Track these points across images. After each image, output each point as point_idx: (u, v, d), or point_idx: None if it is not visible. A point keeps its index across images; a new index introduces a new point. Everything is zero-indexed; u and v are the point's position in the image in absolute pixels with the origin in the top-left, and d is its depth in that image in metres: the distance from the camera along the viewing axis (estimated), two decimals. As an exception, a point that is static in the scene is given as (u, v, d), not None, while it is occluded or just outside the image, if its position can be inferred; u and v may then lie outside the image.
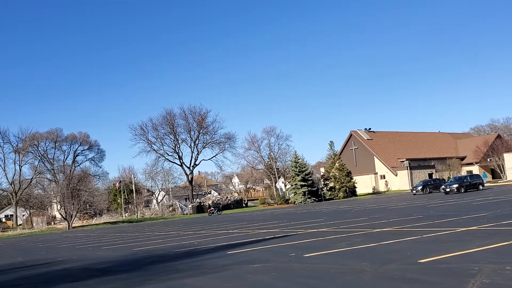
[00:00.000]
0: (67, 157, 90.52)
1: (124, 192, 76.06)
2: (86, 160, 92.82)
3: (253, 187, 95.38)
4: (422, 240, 11.88)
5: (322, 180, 69.59)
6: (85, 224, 62.03)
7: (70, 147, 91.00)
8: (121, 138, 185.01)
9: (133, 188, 73.15)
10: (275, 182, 75.35)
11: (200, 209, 67.74)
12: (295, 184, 64.19)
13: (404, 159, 73.92)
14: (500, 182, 62.24)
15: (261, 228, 22.98)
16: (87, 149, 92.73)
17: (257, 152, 79.56)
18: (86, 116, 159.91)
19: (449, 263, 8.26)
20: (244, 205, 74.25)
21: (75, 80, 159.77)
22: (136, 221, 60.48)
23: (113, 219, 65.83)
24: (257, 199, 76.61)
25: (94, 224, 59.97)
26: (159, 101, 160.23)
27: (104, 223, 60.36)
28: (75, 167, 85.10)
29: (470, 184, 45.45)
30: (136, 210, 71.86)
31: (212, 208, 57.99)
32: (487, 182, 60.02)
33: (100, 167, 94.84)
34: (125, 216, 71.52)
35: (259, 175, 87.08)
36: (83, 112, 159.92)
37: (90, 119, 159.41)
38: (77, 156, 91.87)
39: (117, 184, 75.53)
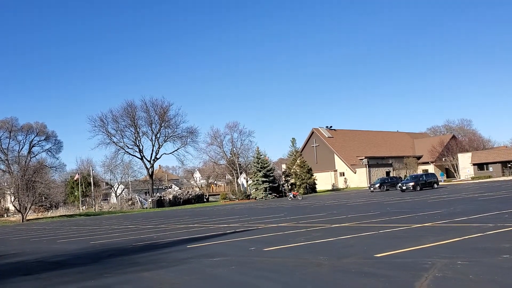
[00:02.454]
0: (22, 148, 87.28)
1: (81, 184, 74.26)
2: (43, 151, 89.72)
3: (215, 182, 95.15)
4: (378, 235, 12.17)
5: (283, 176, 70.18)
6: (40, 217, 60.17)
7: (25, 137, 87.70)
8: (80, 130, 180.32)
9: (91, 180, 71.53)
10: (237, 178, 75.41)
11: (160, 203, 66.96)
12: (256, 180, 64.46)
13: (363, 157, 75.48)
14: (454, 181, 64.57)
15: (222, 222, 22.96)
16: (44, 139, 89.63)
17: (220, 147, 79.32)
18: (43, 106, 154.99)
19: (404, 257, 8.50)
20: (205, 200, 73.94)
21: (32, 68, 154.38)
22: (94, 214, 59.19)
23: (70, 212, 64.18)
24: (219, 194, 76.46)
25: (49, 217, 58.26)
26: (120, 92, 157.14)
27: (61, 216, 58.76)
28: (30, 158, 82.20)
29: (426, 182, 46.99)
30: (94, 203, 70.33)
31: (291, 195, 50.95)
32: (441, 181, 62.12)
33: (57, 158, 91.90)
34: (82, 209, 69.83)
35: (221, 170, 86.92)
36: (40, 102, 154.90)
37: (47, 109, 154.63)
38: (33, 146, 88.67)
39: (76, 176, 73.66)
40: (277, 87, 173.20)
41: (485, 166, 68.74)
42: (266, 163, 65.21)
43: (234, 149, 78.38)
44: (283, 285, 6.99)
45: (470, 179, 65.43)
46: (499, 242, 9.32)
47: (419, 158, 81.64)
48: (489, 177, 64.30)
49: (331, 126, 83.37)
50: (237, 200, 65.44)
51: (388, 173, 74.68)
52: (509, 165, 66.26)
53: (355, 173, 75.26)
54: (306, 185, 66.45)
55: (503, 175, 64.69)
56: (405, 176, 63.33)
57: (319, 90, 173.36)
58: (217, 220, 25.59)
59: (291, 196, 49.42)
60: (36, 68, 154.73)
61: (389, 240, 11.09)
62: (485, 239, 9.88)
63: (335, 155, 77.95)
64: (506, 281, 6.15)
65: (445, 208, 19.46)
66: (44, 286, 8.63)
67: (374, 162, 76.21)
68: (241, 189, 71.06)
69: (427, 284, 6.26)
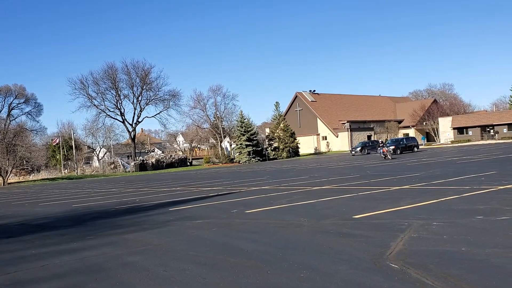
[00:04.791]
0: (1, 111, 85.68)
1: (63, 148, 73.57)
2: (22, 114, 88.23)
3: (198, 146, 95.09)
4: (357, 197, 12.43)
5: (266, 140, 70.49)
6: (22, 180, 59.80)
7: (4, 100, 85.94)
8: (60, 92, 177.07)
9: (73, 144, 70.88)
10: (221, 142, 75.46)
11: (143, 167, 66.90)
12: (240, 144, 64.65)
13: (345, 121, 76.03)
14: (433, 145, 65.66)
15: (204, 186, 23.12)
16: (23, 102, 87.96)
17: (203, 111, 78.90)
18: (22, 68, 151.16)
19: (382, 218, 8.73)
20: (188, 164, 74.10)
21: (9, 29, 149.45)
22: (76, 178, 58.98)
23: (51, 175, 63.85)
24: (202, 158, 76.60)
25: (31, 181, 57.95)
26: (101, 54, 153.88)
27: (42, 179, 58.47)
28: (10, 121, 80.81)
29: (406, 146, 47.77)
30: (76, 166, 69.94)
31: (381, 152, 36.57)
32: (422, 145, 63.14)
33: (38, 121, 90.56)
34: (64, 172, 69.47)
35: (204, 134, 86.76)
36: (19, 64, 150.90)
37: (26, 71, 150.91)
38: (12, 109, 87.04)
39: (56, 140, 72.79)
40: (260, 51, 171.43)
41: (464, 130, 69.90)
42: (250, 127, 65.28)
43: (217, 112, 78.07)
44: (264, 245, 7.15)
45: (449, 143, 66.60)
46: (473, 204, 9.60)
47: (400, 122, 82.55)
48: (468, 141, 65.52)
49: (314, 90, 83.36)
50: (220, 164, 65.73)
51: (369, 137, 75.52)
52: (488, 129, 67.47)
53: (337, 137, 75.92)
54: (289, 149, 66.92)
55: (482, 139, 65.97)
56: (386, 139, 64.13)
57: (303, 53, 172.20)
58: (200, 183, 25.75)
59: (381, 154, 36.23)
60: (14, 29, 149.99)
61: (368, 202, 11.33)
62: (460, 201, 10.16)
63: (318, 119, 78.30)
64: (478, 240, 6.38)
65: (423, 171, 19.87)
66: (27, 248, 8.68)
67: (356, 126, 76.87)
68: (225, 153, 71.26)
69: (403, 244, 6.47)
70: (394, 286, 4.69)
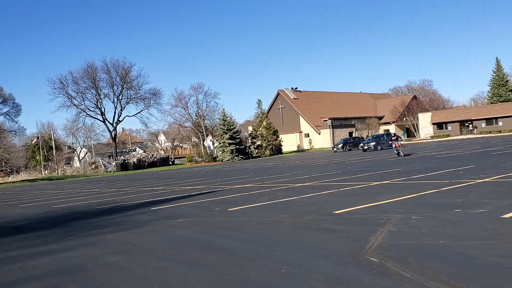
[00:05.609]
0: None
1: (43, 148, 72.50)
2: (0, 115, 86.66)
3: (180, 145, 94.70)
4: (338, 193, 12.52)
5: (249, 138, 70.52)
6: (1, 182, 58.68)
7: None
8: (39, 92, 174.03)
9: (53, 144, 69.86)
10: (203, 140, 75.23)
11: (124, 166, 66.32)
12: (223, 142, 64.52)
13: (327, 118, 76.48)
14: (413, 140, 66.51)
15: (187, 185, 23.04)
16: (1, 102, 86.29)
17: (185, 109, 78.62)
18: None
19: (362, 213, 8.81)
20: (170, 163, 73.70)
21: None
22: (56, 178, 58.17)
23: (31, 176, 62.83)
24: (185, 157, 76.33)
25: (10, 182, 56.93)
26: (80, 54, 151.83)
27: (22, 181, 57.51)
28: (-13, 122, 79.31)
29: (386, 142, 48.22)
30: (56, 167, 68.98)
31: (394, 147, 30.13)
32: (403, 140, 63.87)
33: (16, 122, 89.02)
34: (44, 173, 68.46)
35: (186, 133, 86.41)
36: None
37: (3, 70, 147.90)
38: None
39: (34, 140, 71.68)
40: (242, 49, 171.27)
41: (444, 125, 70.92)
42: (233, 125, 65.20)
43: (199, 111, 77.84)
44: (246, 243, 7.16)
45: (429, 138, 67.53)
46: (452, 198, 9.75)
47: (381, 118, 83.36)
48: (448, 136, 66.52)
49: (296, 88, 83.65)
50: (203, 163, 65.54)
51: (351, 133, 76.13)
52: (467, 124, 68.59)
53: (319, 134, 76.33)
54: (272, 147, 67.06)
55: (461, 134, 67.03)
56: (367, 136, 64.75)
57: (285, 51, 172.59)
58: (183, 182, 25.64)
59: (394, 149, 29.96)
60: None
61: (348, 197, 11.43)
62: (439, 195, 10.32)
63: (300, 116, 78.60)
64: (456, 233, 6.49)
65: (403, 166, 20.11)
66: (5, 250, 8.53)
67: (337, 123, 77.39)
68: (207, 151, 71.07)
69: (382, 238, 6.54)
70: (373, 280, 4.74)
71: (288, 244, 6.79)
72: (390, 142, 34.68)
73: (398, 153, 29.00)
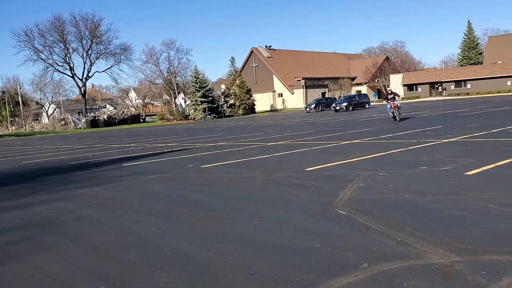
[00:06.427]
0: None
1: (9, 104, 70.38)
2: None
3: (152, 102, 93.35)
4: (310, 151, 12.76)
5: (222, 97, 70.12)
6: (-35, 138, 57.03)
7: None
8: (3, 45, 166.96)
9: (20, 100, 67.85)
10: (175, 98, 74.37)
11: (94, 123, 65.26)
12: (195, 100, 63.99)
13: (301, 78, 76.48)
14: (384, 102, 67.39)
15: (159, 142, 22.96)
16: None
17: (156, 65, 77.15)
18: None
19: (332, 170, 9.06)
20: (142, 120, 72.87)
21: None
22: (24, 134, 56.92)
23: (-3, 133, 61.24)
24: (156, 115, 75.48)
25: (-25, 139, 55.38)
26: (46, 5, 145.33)
27: (-13, 137, 56.01)
28: None
29: (358, 103, 48.95)
30: (24, 123, 67.31)
31: (389, 107, 23.61)
32: (374, 101, 64.76)
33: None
34: (11, 129, 66.81)
35: (157, 90, 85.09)
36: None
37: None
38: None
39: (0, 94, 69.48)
40: (216, 5, 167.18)
41: (414, 87, 72.00)
42: (205, 83, 64.56)
43: (171, 67, 76.55)
44: (219, 198, 7.30)
45: (400, 99, 68.53)
46: (418, 156, 10.09)
47: (353, 79, 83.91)
48: (418, 97, 67.71)
49: (270, 46, 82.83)
50: (175, 121, 65.09)
51: (323, 94, 76.54)
52: (437, 86, 69.80)
53: (292, 94, 76.45)
54: (245, 106, 66.96)
55: (431, 96, 68.32)
56: (339, 96, 65.28)
57: (259, 7, 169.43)
58: (154, 140, 25.53)
59: (389, 111, 23.96)
60: None
61: (320, 155, 11.68)
62: (406, 154, 10.65)
63: (274, 75, 78.29)
64: (420, 189, 6.78)
65: (373, 127, 20.52)
66: (-26, 205, 8.46)
67: (310, 83, 77.55)
68: (179, 109, 70.48)
69: (351, 193, 6.79)
70: (341, 230, 4.97)
71: (260, 199, 6.97)
72: (385, 102, 27.17)
73: (394, 117, 23.12)
